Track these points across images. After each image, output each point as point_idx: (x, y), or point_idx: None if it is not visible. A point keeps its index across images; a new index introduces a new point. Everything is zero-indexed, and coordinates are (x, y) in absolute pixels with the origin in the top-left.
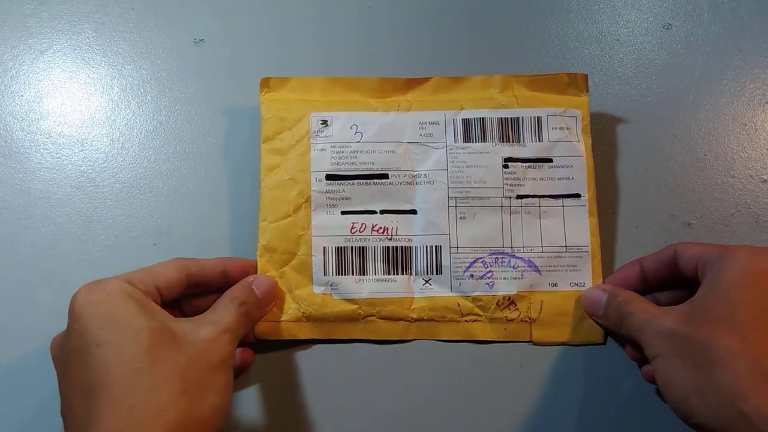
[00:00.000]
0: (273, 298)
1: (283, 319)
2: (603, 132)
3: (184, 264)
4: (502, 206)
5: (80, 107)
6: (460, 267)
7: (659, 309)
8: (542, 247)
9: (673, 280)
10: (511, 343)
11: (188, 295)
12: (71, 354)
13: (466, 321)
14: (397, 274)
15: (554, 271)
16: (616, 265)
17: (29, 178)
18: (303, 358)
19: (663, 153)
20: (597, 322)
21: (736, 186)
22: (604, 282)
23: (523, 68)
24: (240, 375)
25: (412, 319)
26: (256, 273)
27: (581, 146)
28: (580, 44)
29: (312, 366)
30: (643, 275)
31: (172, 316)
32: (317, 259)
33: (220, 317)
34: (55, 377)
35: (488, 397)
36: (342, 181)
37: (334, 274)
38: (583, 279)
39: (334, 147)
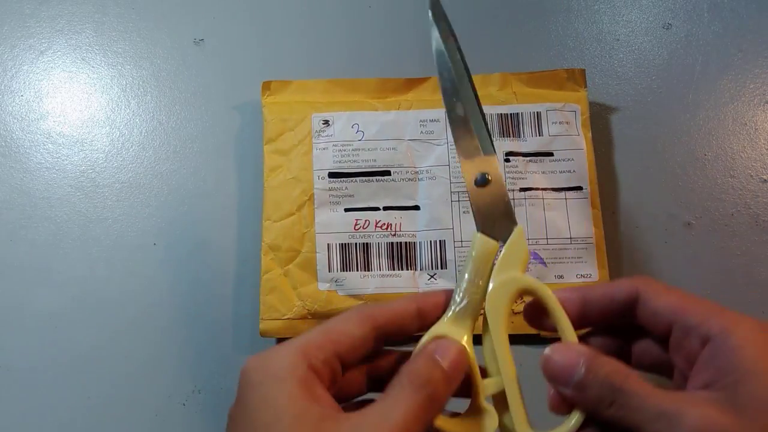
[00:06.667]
0: (463, 369)
1: (287, 316)
2: (603, 132)
3: (369, 315)
4: None
5: (80, 107)
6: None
7: (672, 392)
8: (547, 239)
9: (613, 323)
10: (511, 344)
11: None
12: (235, 426)
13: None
14: (402, 269)
15: (560, 263)
16: (617, 263)
17: (29, 178)
18: None
19: (663, 153)
20: (561, 394)
21: (736, 186)
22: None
23: (524, 68)
24: None
25: None
26: (448, 301)
27: (581, 140)
28: (580, 44)
29: None
30: (584, 312)
31: (338, 405)
32: (321, 256)
33: (393, 409)
34: (54, 377)
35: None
36: (344, 179)
37: (339, 270)
38: (588, 270)
39: (336, 146)
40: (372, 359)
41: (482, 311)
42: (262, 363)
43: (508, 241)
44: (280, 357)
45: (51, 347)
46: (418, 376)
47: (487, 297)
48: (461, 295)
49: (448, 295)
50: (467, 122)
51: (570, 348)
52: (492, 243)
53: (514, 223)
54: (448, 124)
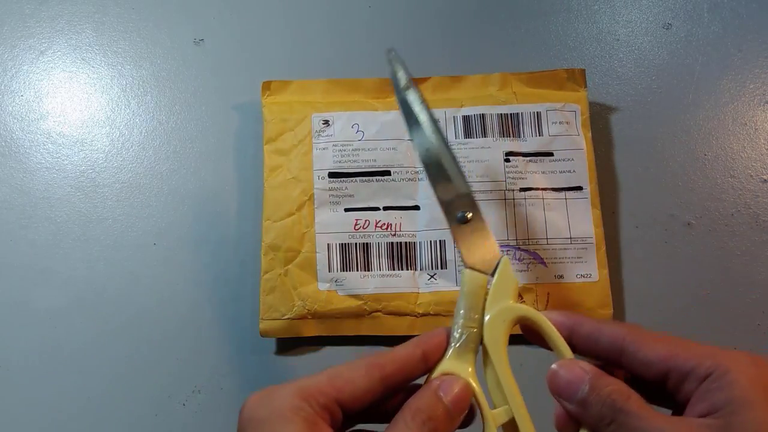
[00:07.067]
0: (466, 404)
1: (287, 316)
2: (602, 132)
3: (378, 365)
4: (505, 199)
5: (80, 107)
6: None
7: (670, 416)
8: (547, 239)
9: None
10: (511, 344)
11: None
12: None
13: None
14: (402, 269)
15: (560, 263)
16: (617, 263)
17: (29, 178)
18: (310, 358)
19: (663, 153)
20: (565, 409)
21: (736, 186)
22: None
23: (523, 68)
24: None
25: (419, 314)
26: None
27: (581, 140)
28: (579, 44)
29: (317, 366)
30: (570, 342)
31: None
32: (321, 256)
33: None
34: (53, 376)
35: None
36: (344, 179)
37: (339, 270)
38: (588, 270)
39: (336, 146)
40: (377, 405)
41: (481, 342)
42: (266, 401)
43: (497, 273)
44: (283, 396)
45: (51, 347)
46: (420, 412)
47: (484, 329)
48: (459, 331)
49: (448, 332)
50: (440, 164)
51: (576, 365)
52: (481, 277)
53: (498, 254)
54: (422, 167)
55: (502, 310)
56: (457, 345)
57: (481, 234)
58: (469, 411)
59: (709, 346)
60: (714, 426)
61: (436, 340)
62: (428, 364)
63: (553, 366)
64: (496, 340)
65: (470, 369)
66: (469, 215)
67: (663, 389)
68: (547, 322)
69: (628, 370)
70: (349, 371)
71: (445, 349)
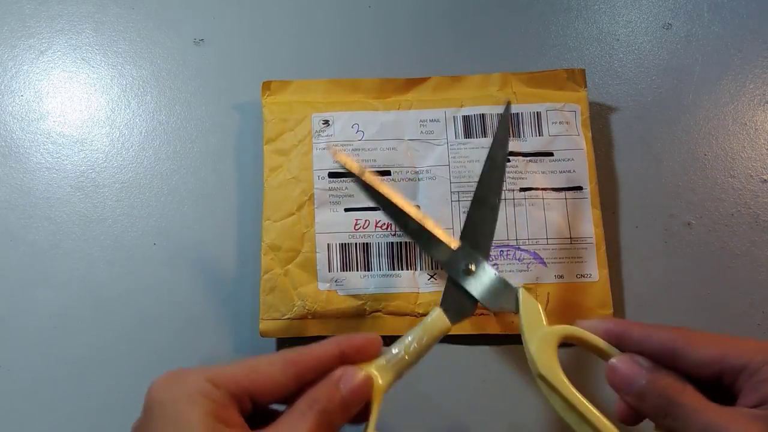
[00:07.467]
0: (364, 397)
1: (287, 316)
2: (602, 132)
3: (293, 361)
4: (505, 199)
5: (80, 107)
6: None
7: (721, 407)
8: (547, 239)
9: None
10: (510, 344)
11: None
12: None
13: (473, 315)
14: (402, 269)
15: (560, 263)
16: (617, 263)
17: (29, 178)
18: None
19: (663, 153)
20: (624, 402)
21: (736, 186)
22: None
23: (524, 68)
24: None
25: (419, 314)
26: (379, 348)
27: (581, 140)
28: (580, 44)
29: None
30: (619, 347)
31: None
32: (321, 256)
33: (294, 430)
34: (53, 377)
35: (487, 397)
36: (345, 179)
37: (339, 270)
38: (589, 270)
39: (336, 145)
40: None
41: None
42: (174, 382)
43: (521, 306)
44: (192, 379)
45: (50, 347)
46: (316, 402)
47: (536, 361)
48: (400, 348)
49: (371, 341)
50: (426, 234)
51: (634, 359)
52: (447, 323)
53: (514, 288)
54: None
55: (545, 336)
56: (389, 361)
57: (491, 278)
58: (366, 407)
59: (760, 341)
60: (763, 416)
61: (358, 342)
62: (345, 364)
63: (612, 360)
64: (551, 366)
65: (388, 382)
66: (473, 266)
67: (718, 384)
68: (590, 335)
69: (681, 371)
70: (266, 365)
71: (375, 359)
